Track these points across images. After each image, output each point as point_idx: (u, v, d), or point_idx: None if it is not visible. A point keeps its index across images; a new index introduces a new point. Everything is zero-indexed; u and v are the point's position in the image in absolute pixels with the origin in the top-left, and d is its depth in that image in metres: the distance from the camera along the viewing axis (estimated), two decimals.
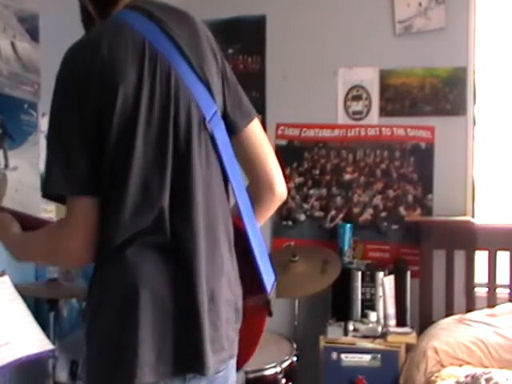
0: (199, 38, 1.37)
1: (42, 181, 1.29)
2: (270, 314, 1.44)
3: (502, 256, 3.18)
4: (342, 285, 3.12)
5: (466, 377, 2.53)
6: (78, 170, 1.23)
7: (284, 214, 3.53)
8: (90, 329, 1.29)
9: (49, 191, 1.27)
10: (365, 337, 3.01)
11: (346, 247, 3.33)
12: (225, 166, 1.37)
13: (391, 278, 3.21)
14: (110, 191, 1.25)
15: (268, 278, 1.41)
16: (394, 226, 3.40)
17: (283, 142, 3.50)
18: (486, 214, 3.37)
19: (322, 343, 2.99)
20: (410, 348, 2.92)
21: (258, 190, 1.47)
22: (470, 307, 3.16)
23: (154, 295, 1.23)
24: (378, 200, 3.43)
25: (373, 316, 3.12)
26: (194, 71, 1.33)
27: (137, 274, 1.23)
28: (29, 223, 1.43)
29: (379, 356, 2.90)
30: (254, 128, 1.46)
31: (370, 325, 3.07)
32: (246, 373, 2.38)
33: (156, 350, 1.22)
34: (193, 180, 1.28)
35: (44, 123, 3.02)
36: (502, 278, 3.18)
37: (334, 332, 3.02)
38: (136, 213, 1.23)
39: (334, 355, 2.93)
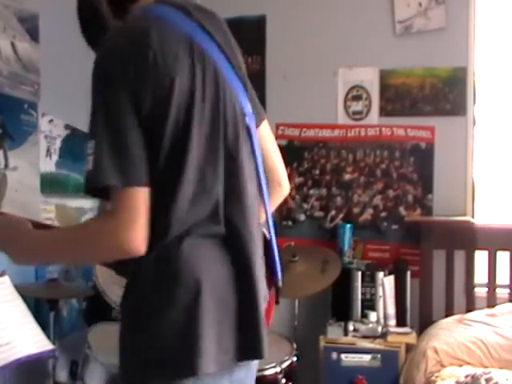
0: (229, 37, 1.41)
1: (88, 172, 1.19)
2: (277, 302, 1.50)
3: (502, 256, 3.18)
4: (342, 285, 3.12)
5: (466, 377, 2.53)
6: (133, 160, 1.20)
7: (284, 214, 3.53)
8: (146, 322, 1.25)
9: (99, 182, 1.19)
10: (365, 337, 3.01)
11: (346, 247, 3.33)
12: (258, 162, 1.41)
13: (391, 278, 3.21)
14: (163, 184, 1.23)
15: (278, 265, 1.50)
16: (394, 226, 3.40)
17: (283, 142, 3.50)
18: (486, 214, 3.37)
19: (322, 343, 2.99)
20: (410, 348, 2.92)
21: (268, 182, 1.53)
22: (470, 307, 3.16)
23: (214, 286, 1.25)
24: (378, 200, 3.43)
25: (373, 316, 3.12)
26: (234, 70, 1.37)
27: (197, 265, 1.24)
28: (36, 227, 1.37)
29: (379, 356, 2.90)
30: (266, 127, 1.52)
31: (370, 325, 3.07)
32: None
33: (217, 340, 1.24)
34: (243, 173, 1.33)
35: (44, 123, 3.02)
36: (501, 277, 3.18)
37: (333, 332, 3.02)
38: (193, 205, 1.24)
39: (334, 355, 2.93)
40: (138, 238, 1.19)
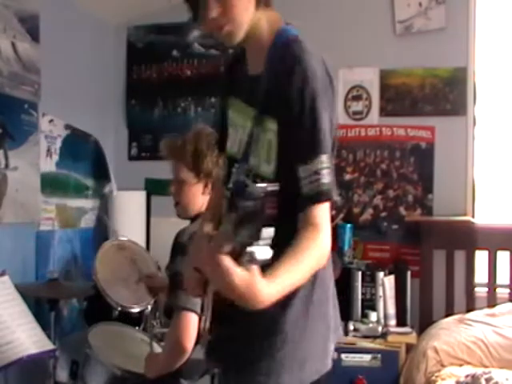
0: None
1: (326, 185, 1.27)
2: None
3: (502, 256, 3.18)
4: (342, 285, 3.10)
5: (466, 377, 2.53)
6: None
7: None
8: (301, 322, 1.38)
9: (333, 195, 1.30)
10: (365, 337, 3.01)
11: (346, 247, 3.33)
12: None
13: (391, 277, 3.21)
14: None
15: None
16: (394, 226, 3.40)
17: None
18: (486, 213, 3.37)
19: None
20: (410, 348, 2.92)
21: None
22: (470, 307, 3.16)
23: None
24: (378, 200, 3.43)
25: (373, 316, 3.12)
26: None
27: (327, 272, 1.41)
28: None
29: (379, 356, 2.90)
30: None
31: (371, 325, 3.07)
32: None
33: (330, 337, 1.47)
34: None
35: (44, 123, 3.02)
36: (502, 277, 3.18)
37: None
38: None
39: (334, 355, 2.92)
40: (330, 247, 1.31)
